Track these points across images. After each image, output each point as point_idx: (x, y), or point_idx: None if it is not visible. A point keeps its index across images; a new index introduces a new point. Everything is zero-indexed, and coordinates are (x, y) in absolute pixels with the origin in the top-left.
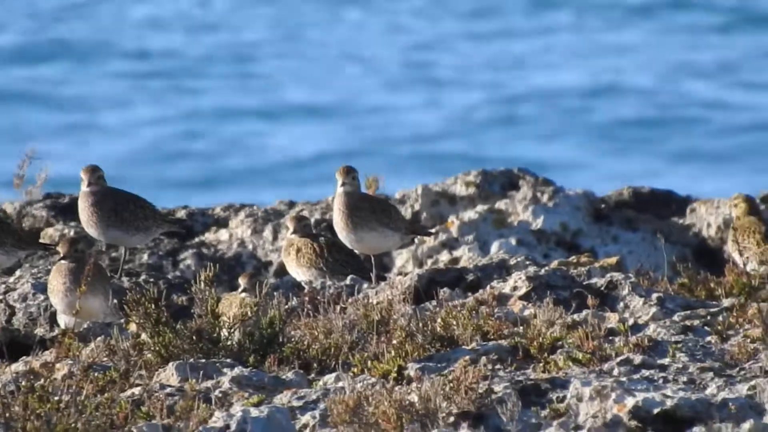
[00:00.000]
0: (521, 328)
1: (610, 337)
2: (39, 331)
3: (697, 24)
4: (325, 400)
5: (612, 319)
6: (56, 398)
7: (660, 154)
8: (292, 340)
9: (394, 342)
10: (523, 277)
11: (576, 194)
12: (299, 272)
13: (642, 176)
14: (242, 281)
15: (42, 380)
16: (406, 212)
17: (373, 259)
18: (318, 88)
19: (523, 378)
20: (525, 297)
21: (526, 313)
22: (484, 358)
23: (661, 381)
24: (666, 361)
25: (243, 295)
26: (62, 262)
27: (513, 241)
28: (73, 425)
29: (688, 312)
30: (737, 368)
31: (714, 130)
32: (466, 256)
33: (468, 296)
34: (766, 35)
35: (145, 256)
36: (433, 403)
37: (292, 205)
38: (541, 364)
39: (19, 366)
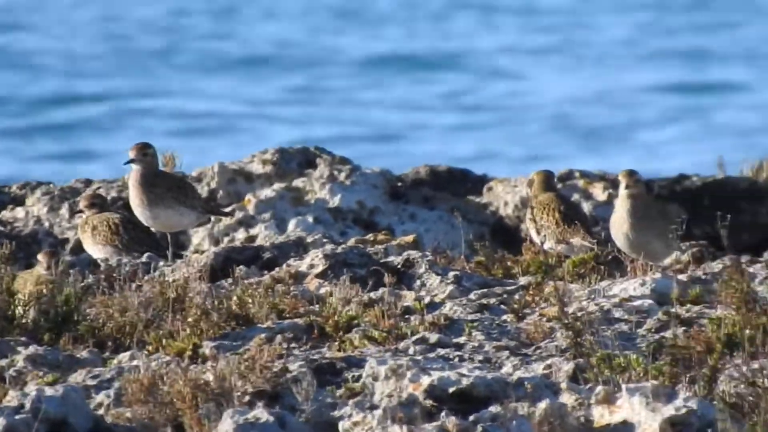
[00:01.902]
0: (317, 306)
1: (407, 316)
2: None
3: None
4: (119, 378)
5: (408, 298)
6: None
7: None
8: (88, 318)
9: (190, 320)
10: (320, 254)
11: (373, 172)
12: (95, 250)
13: None
14: (43, 259)
15: None
16: (203, 190)
17: (169, 236)
18: None
19: (318, 356)
20: (321, 275)
21: (323, 291)
22: (279, 337)
23: (457, 360)
24: (462, 339)
25: (44, 272)
26: None
27: (310, 219)
28: None
29: (485, 290)
30: (533, 347)
31: None
32: (263, 233)
33: (264, 274)
34: None
35: None
36: (228, 381)
37: (88, 183)
38: (336, 343)
39: None
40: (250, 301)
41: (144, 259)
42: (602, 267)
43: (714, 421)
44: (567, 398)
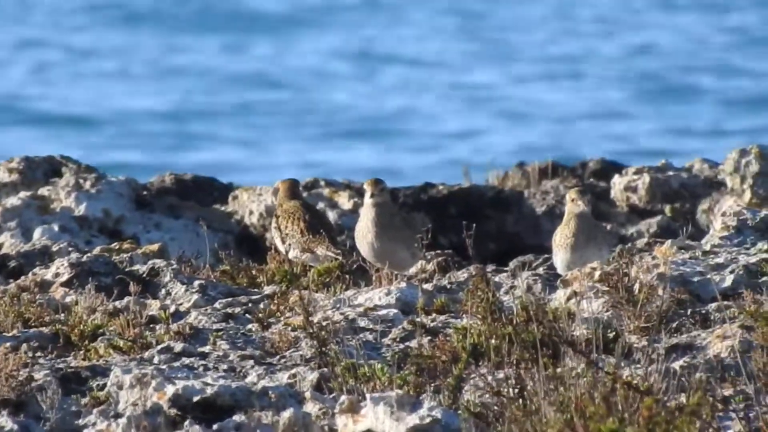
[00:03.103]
0: (63, 315)
1: (152, 325)
2: None
3: None
4: None
5: (154, 307)
6: None
7: None
8: None
9: None
10: (66, 263)
11: (119, 181)
12: None
13: None
14: None
15: None
16: None
17: None
18: None
19: (64, 365)
20: (67, 283)
21: (68, 299)
22: (25, 345)
23: (201, 369)
24: (207, 348)
25: None
26: None
27: (56, 228)
28: None
29: (230, 299)
30: (278, 356)
31: None
32: (9, 242)
33: (10, 283)
34: None
35: None
36: None
37: None
38: (82, 352)
39: None
40: None
41: None
42: (347, 276)
43: (459, 431)
44: (311, 407)
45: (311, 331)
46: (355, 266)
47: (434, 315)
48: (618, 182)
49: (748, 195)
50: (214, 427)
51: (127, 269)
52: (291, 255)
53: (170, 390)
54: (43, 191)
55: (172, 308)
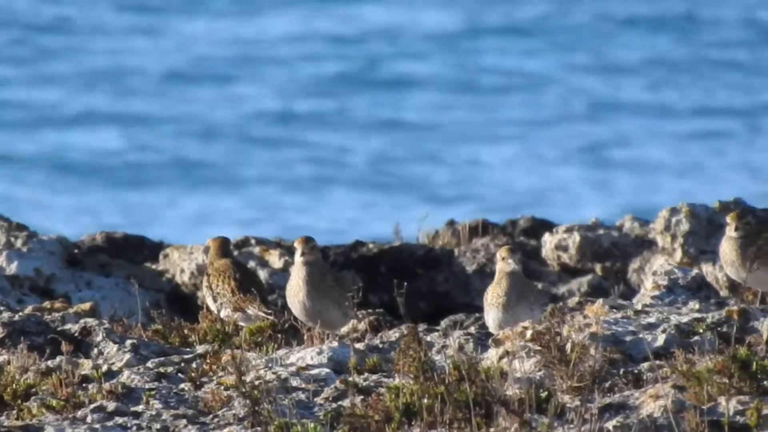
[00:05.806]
0: None
1: (85, 384)
2: None
3: None
4: None
5: (86, 366)
6: None
7: None
8: None
9: None
10: None
11: (50, 239)
12: None
13: None
14: None
15: None
16: None
17: None
18: None
19: None
20: None
21: (0, 359)
22: None
23: (135, 428)
24: (140, 408)
25: None
26: None
27: None
28: None
29: (162, 359)
30: (211, 415)
31: None
32: None
33: None
34: None
35: None
36: None
37: None
38: (15, 411)
39: None
40: None
41: None
42: (279, 335)
43: None
44: None
45: (244, 390)
46: (286, 325)
47: (366, 374)
48: (548, 241)
49: (679, 254)
50: None
51: (59, 328)
52: (222, 314)
53: None
54: None
55: (105, 367)
